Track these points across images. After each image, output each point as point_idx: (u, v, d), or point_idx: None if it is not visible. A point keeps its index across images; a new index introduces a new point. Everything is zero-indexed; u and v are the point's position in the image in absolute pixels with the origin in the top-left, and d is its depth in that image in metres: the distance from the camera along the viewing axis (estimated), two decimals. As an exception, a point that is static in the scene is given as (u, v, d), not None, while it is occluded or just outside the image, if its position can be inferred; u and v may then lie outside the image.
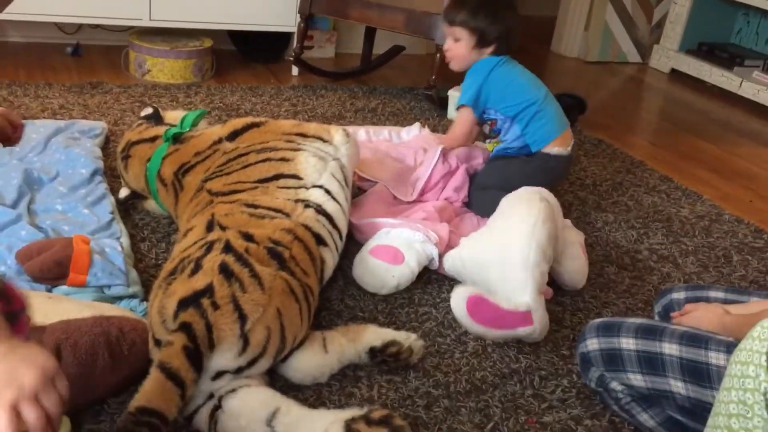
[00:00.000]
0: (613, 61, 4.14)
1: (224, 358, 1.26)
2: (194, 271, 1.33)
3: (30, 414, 0.79)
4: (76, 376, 1.21)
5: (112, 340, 1.27)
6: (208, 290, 1.28)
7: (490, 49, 2.08)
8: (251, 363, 1.29)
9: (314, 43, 3.47)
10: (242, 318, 1.27)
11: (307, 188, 1.67)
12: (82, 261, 1.51)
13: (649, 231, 2.18)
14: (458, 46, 2.10)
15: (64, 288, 1.49)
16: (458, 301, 1.56)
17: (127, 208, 1.90)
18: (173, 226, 1.83)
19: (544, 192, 1.73)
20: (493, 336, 1.56)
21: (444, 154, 2.07)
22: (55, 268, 1.49)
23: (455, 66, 2.16)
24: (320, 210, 1.63)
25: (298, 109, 2.78)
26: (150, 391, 1.19)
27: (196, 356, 1.22)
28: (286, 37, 3.26)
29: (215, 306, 1.26)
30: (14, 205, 1.74)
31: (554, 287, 1.78)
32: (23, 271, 1.50)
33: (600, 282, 1.87)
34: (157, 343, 1.28)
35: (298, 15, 3.03)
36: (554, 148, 2.06)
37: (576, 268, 1.79)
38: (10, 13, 2.76)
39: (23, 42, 3.15)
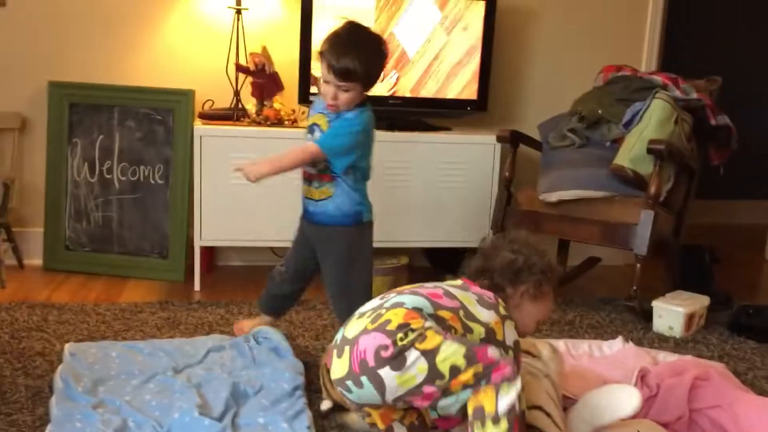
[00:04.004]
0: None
1: None
2: None
3: None
4: None
5: None
6: None
7: None
8: None
9: (508, 258, 3.49)
10: None
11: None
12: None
13: None
14: None
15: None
16: None
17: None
18: (367, 442, 1.80)
19: None
20: None
21: (642, 376, 1.90)
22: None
23: None
24: None
25: (492, 323, 2.74)
26: None
27: None
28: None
29: None
30: (220, 418, 1.82)
31: None
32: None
33: None
34: None
35: (491, 231, 3.10)
36: None
37: None
38: (235, 241, 3.12)
39: (242, 265, 3.49)
